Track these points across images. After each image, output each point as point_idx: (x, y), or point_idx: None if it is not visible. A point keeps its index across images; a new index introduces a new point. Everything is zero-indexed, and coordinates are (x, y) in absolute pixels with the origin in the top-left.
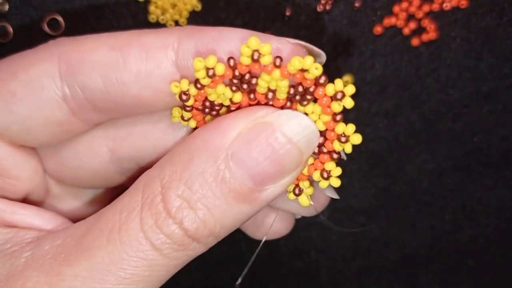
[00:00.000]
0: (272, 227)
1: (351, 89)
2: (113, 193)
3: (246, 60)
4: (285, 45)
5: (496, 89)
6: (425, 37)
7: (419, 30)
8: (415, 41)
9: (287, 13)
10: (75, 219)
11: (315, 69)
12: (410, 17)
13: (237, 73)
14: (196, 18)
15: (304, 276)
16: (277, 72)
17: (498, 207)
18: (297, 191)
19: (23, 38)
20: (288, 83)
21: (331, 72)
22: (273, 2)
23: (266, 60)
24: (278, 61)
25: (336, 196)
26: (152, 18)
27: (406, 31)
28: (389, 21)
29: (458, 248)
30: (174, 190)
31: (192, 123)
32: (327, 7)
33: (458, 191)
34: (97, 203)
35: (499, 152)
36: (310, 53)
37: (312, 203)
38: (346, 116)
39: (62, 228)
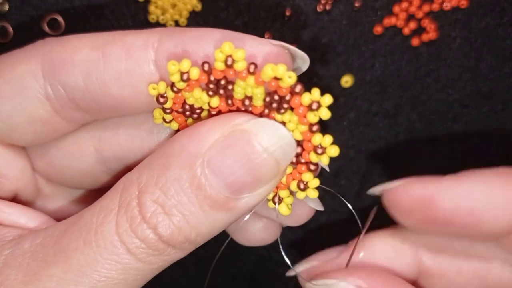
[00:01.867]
0: (257, 235)
1: (328, 100)
2: (102, 194)
3: (220, 66)
4: (263, 47)
5: (496, 89)
6: (425, 37)
7: (419, 30)
8: (415, 41)
9: (287, 13)
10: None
11: (289, 78)
12: (410, 17)
13: (212, 78)
14: (196, 18)
15: None
16: (251, 79)
17: None
18: (276, 200)
19: (23, 38)
20: (264, 90)
21: (331, 72)
22: (273, 2)
23: (240, 66)
24: (252, 68)
25: (320, 208)
26: (152, 18)
27: (406, 31)
28: (389, 21)
29: None
30: (150, 195)
31: (174, 125)
32: (327, 7)
33: None
34: (87, 203)
35: (499, 152)
36: (293, 56)
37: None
38: (346, 115)
39: (44, 227)
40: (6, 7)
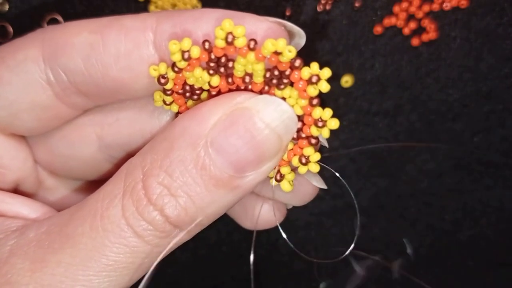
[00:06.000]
0: (263, 217)
1: (327, 73)
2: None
3: (220, 43)
4: (261, 24)
5: (496, 89)
6: (425, 37)
7: (419, 30)
8: (415, 41)
9: (287, 13)
10: None
11: (289, 52)
12: (410, 17)
13: (213, 56)
14: None
15: (304, 276)
16: (251, 55)
17: (498, 207)
18: (278, 177)
19: None
20: (264, 66)
21: (331, 71)
22: (273, 2)
23: (240, 42)
24: (252, 44)
25: (323, 186)
26: None
27: (406, 31)
28: (389, 21)
29: (458, 248)
30: (155, 178)
31: (174, 108)
32: (327, 7)
33: (458, 191)
34: (89, 194)
35: (499, 152)
36: (290, 32)
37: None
38: (346, 115)
39: (47, 217)
40: (6, 7)
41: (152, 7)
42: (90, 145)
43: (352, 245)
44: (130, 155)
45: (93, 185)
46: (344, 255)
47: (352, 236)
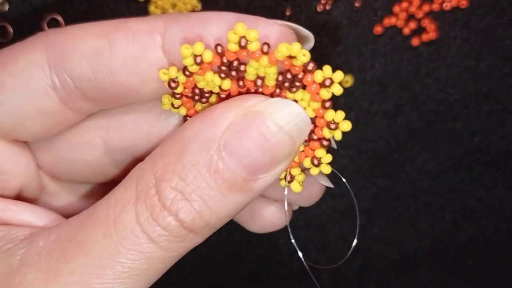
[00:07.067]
0: (270, 219)
1: (339, 76)
2: (108, 188)
3: (233, 47)
4: (273, 28)
5: (496, 89)
6: (425, 37)
7: (419, 30)
8: (415, 41)
9: (287, 13)
10: (70, 216)
11: (303, 56)
12: (410, 17)
13: (225, 60)
14: None
15: (304, 276)
16: (265, 59)
17: (498, 207)
18: (288, 178)
19: (23, 38)
20: (277, 70)
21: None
22: (273, 2)
23: (254, 46)
24: (265, 48)
25: (330, 185)
26: None
27: (406, 31)
28: (389, 21)
29: (458, 248)
30: (168, 182)
31: (183, 111)
32: (327, 7)
33: (458, 191)
34: (93, 199)
35: (499, 152)
36: (298, 35)
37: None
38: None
39: (55, 224)
40: (6, 7)
41: (152, 7)
42: (95, 149)
43: (352, 248)
44: (136, 159)
45: (97, 190)
46: (342, 261)
47: (352, 236)
